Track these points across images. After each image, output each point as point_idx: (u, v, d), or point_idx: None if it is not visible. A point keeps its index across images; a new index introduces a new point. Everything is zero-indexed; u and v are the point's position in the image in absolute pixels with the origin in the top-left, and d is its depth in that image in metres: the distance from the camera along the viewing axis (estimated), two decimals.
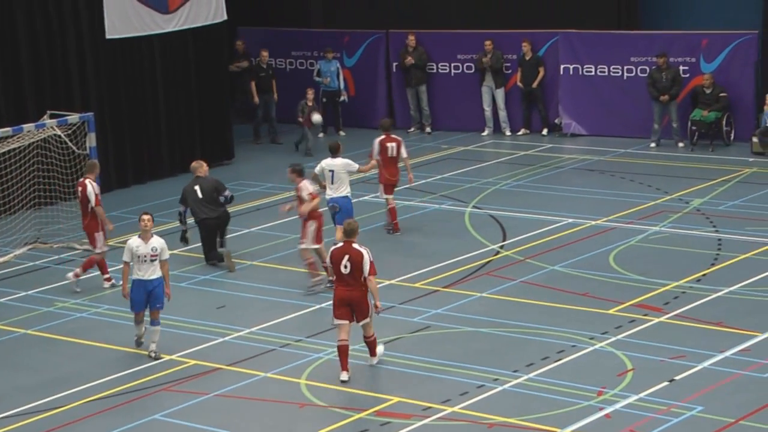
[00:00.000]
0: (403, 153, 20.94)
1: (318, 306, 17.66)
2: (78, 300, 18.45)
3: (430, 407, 14.06)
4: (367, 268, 14.81)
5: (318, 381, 15.01)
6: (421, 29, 29.09)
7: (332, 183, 19.34)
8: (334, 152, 19.60)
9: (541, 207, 22.14)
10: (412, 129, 29.39)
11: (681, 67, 26.62)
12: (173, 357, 15.94)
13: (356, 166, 19.67)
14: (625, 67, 27.38)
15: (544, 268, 18.84)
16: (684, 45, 26.83)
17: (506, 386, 14.57)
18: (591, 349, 15.58)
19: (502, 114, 28.40)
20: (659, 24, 28.09)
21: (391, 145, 20.80)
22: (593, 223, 21.04)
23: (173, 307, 17.79)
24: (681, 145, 26.41)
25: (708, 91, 26.01)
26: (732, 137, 26.31)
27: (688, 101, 26.50)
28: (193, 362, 15.78)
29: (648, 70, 26.72)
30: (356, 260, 14.83)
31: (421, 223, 21.69)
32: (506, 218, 21.48)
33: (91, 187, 18.82)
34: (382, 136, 20.97)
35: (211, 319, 17.35)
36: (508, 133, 28.38)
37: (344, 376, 14.95)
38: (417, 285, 18.33)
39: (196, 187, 19.75)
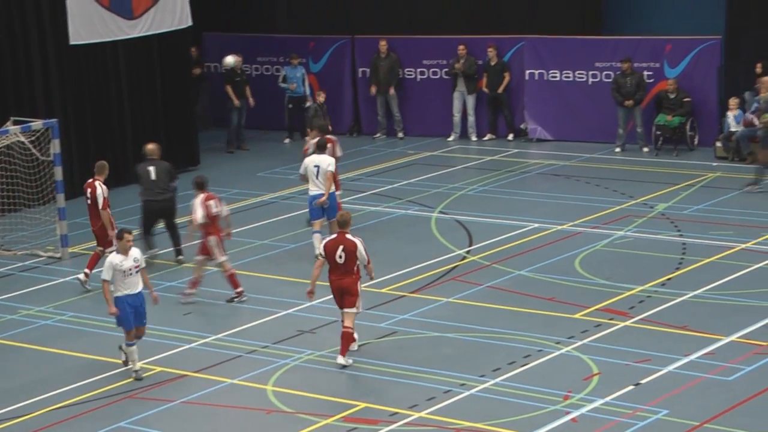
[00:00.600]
0: (338, 152, 21.15)
1: (284, 312, 17.63)
2: (42, 307, 18.34)
3: (397, 413, 14.06)
4: (365, 256, 15.48)
5: (285, 387, 14.99)
6: (386, 35, 29.10)
7: (317, 178, 19.55)
8: (322, 149, 19.86)
9: (507, 212, 22.19)
10: (378, 135, 29.40)
11: (645, 72, 26.76)
12: (139, 364, 15.84)
13: (334, 167, 19.87)
14: (590, 72, 27.50)
15: (510, 273, 18.88)
16: (648, 50, 26.98)
17: (473, 391, 14.59)
18: (557, 353, 15.62)
19: (471, 119, 28.46)
20: (623, 29, 28.23)
21: (328, 145, 20.87)
22: (559, 227, 21.11)
23: None
24: (645, 149, 26.55)
25: (672, 96, 26.16)
26: (696, 142, 26.47)
27: (653, 106, 26.64)
28: (158, 369, 15.72)
29: (612, 75, 26.84)
30: (350, 250, 15.39)
31: (388, 229, 21.70)
32: (472, 223, 21.53)
33: (101, 189, 18.76)
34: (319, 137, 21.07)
35: (177, 326, 17.28)
36: (474, 138, 28.44)
37: (341, 360, 15.54)
38: (383, 290, 18.33)
39: (150, 168, 19.92)
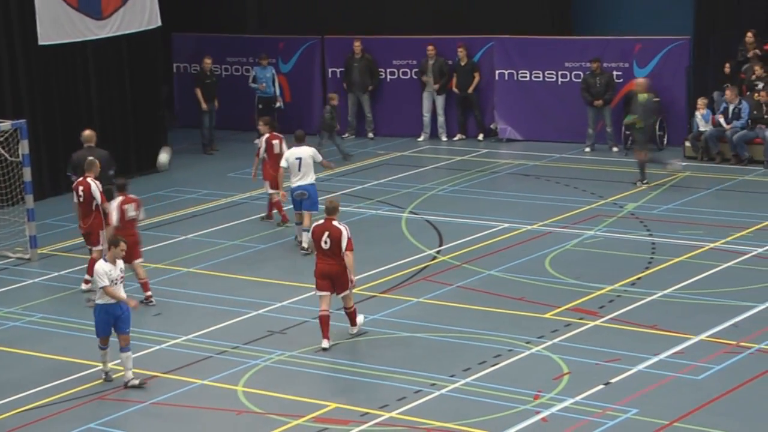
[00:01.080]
0: (284, 148, 21.39)
1: (254, 313, 17.59)
2: (11, 309, 18.23)
3: (367, 413, 14.05)
4: (344, 244, 15.75)
5: (255, 388, 14.95)
6: (356, 35, 29.09)
7: (299, 170, 19.97)
8: (300, 140, 20.19)
9: (478, 212, 22.22)
10: (346, 135, 29.38)
11: (614, 72, 26.85)
12: (108, 365, 15.77)
13: (320, 156, 20.42)
14: (560, 72, 27.57)
15: (480, 273, 18.91)
16: (617, 50, 27.07)
17: (443, 391, 14.60)
18: (527, 353, 15.65)
19: (440, 119, 28.48)
20: (592, 29, 28.33)
21: (276, 143, 21.33)
22: (529, 227, 21.16)
23: None
24: (615, 149, 26.64)
25: None
26: (665, 142, 26.58)
27: (622, 106, 26.73)
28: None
29: (582, 75, 26.93)
30: (335, 236, 15.82)
31: (358, 229, 21.61)
32: (443, 223, 21.54)
33: (95, 185, 18.54)
34: (268, 134, 21.43)
35: (147, 326, 17.21)
36: (444, 138, 28.47)
37: (325, 343, 15.86)
38: (354, 291, 18.28)
39: (91, 158, 19.70)
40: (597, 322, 16.58)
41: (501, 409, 13.99)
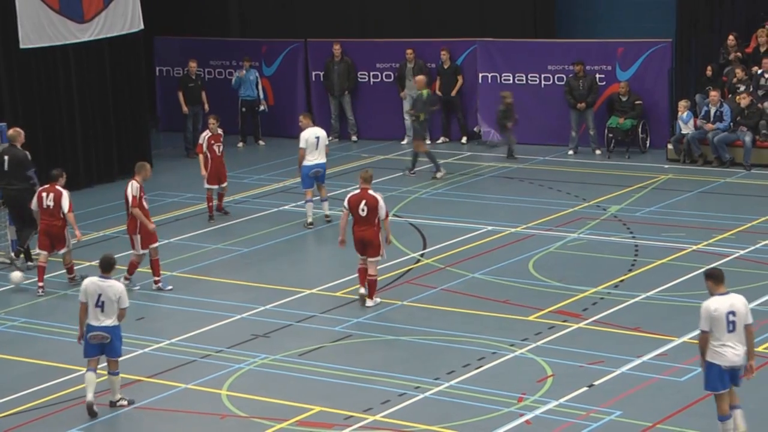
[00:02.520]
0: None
1: (238, 316, 17.56)
2: None
3: (351, 416, 14.04)
4: (383, 212, 17.41)
5: (239, 392, 14.93)
6: (339, 38, 29.09)
7: (316, 149, 21.51)
8: (313, 122, 22.27)
9: (461, 215, 22.23)
10: (330, 138, 29.33)
11: (597, 75, 26.91)
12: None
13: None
14: (543, 75, 27.61)
15: (464, 275, 18.91)
16: (600, 53, 27.13)
17: (427, 394, 14.60)
18: (511, 355, 15.67)
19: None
20: (575, 33, 28.38)
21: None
22: (512, 230, 21.18)
23: None
24: (598, 152, 26.69)
25: (624, 99, 26.32)
26: (648, 144, 26.64)
27: (605, 109, 26.79)
28: None
29: (565, 78, 26.97)
30: (372, 204, 17.38)
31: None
32: (426, 226, 21.54)
33: (131, 188, 18.44)
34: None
35: (130, 330, 17.12)
36: (427, 141, 28.44)
37: (362, 290, 17.60)
38: (338, 294, 18.30)
39: (6, 157, 19.79)
40: (580, 325, 16.60)
41: (485, 411, 14.00)
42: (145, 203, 18.61)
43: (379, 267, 17.77)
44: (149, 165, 19.35)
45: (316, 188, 21.82)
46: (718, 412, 12.67)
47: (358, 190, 17.61)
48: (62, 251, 19.05)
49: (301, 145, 21.55)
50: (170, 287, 18.76)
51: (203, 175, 22.43)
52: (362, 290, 17.60)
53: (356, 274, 17.84)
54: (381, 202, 17.42)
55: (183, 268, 19.87)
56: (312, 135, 21.47)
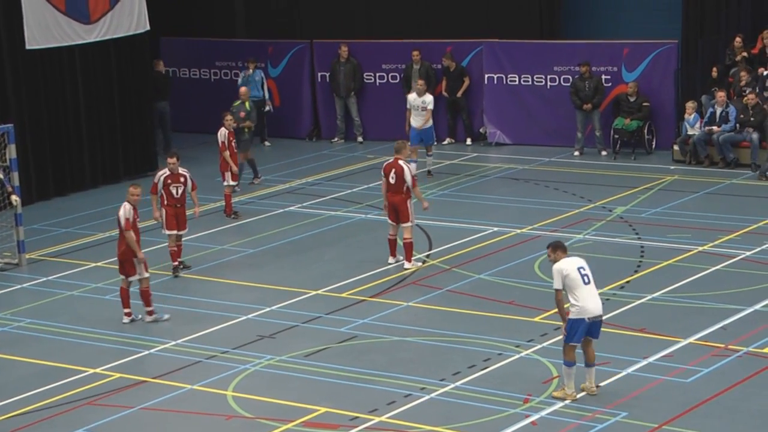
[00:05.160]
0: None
1: (244, 317, 17.57)
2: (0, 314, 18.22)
3: (357, 417, 14.04)
4: (409, 180, 18.94)
5: (245, 393, 14.93)
6: (345, 39, 29.10)
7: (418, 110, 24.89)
8: (420, 93, 24.96)
9: (467, 216, 22.23)
10: (336, 139, 29.38)
11: (603, 76, 26.89)
12: (97, 370, 15.76)
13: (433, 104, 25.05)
14: (549, 77, 27.60)
15: (470, 276, 18.91)
16: (606, 54, 27.10)
17: (433, 395, 14.59)
18: (517, 356, 15.66)
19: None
20: (581, 33, 28.37)
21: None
22: (518, 231, 21.17)
23: (97, 320, 17.65)
24: (604, 153, 26.67)
25: (632, 100, 26.29)
26: (654, 145, 26.62)
27: (611, 110, 26.77)
28: (117, 375, 15.62)
29: (571, 79, 26.96)
30: (399, 173, 18.95)
31: (347, 233, 21.68)
32: (432, 227, 21.53)
33: (123, 211, 17.19)
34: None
35: (135, 331, 17.18)
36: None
37: (391, 260, 19.26)
38: (343, 295, 18.30)
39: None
40: None
41: (491, 412, 13.99)
42: (136, 227, 17.41)
43: (384, 267, 17.78)
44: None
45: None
46: (567, 359, 14.02)
47: (390, 159, 19.20)
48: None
49: (407, 106, 25.06)
50: (167, 316, 17.60)
51: (234, 172, 22.73)
52: (391, 260, 19.16)
53: (361, 275, 17.83)
54: (407, 171, 18.94)
55: (189, 268, 19.87)
56: (416, 99, 24.90)
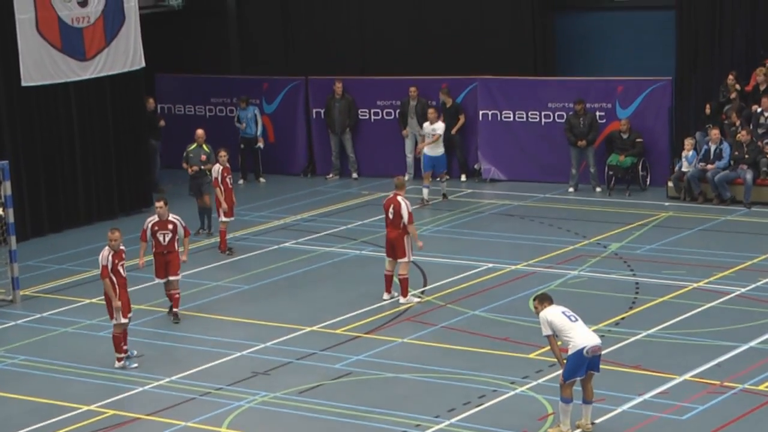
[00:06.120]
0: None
1: (238, 354, 17.52)
2: None
3: None
4: (405, 217, 19.04)
5: (239, 429, 14.87)
6: (340, 75, 29.19)
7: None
8: (433, 121, 25.96)
9: (461, 252, 22.22)
10: (331, 175, 29.41)
11: (597, 113, 26.97)
12: (91, 407, 15.70)
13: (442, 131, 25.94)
14: (543, 113, 27.67)
15: (464, 313, 18.88)
16: (600, 91, 27.18)
17: None
18: (512, 393, 15.62)
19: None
20: (575, 70, 28.46)
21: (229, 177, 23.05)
22: (513, 267, 21.16)
23: (91, 356, 17.59)
24: (598, 189, 26.71)
25: (625, 137, 26.36)
26: (648, 182, 26.66)
27: (604, 146, 26.82)
28: (111, 412, 15.56)
29: (565, 116, 27.03)
30: (397, 209, 19.10)
31: (342, 269, 21.66)
32: (427, 264, 21.52)
33: (101, 257, 16.99)
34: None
35: (129, 367, 17.11)
36: None
37: (385, 296, 19.32)
38: (338, 331, 18.27)
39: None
40: None
41: None
42: (122, 271, 17.04)
43: (378, 304, 17.75)
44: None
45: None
46: (564, 396, 14.06)
47: (390, 195, 19.42)
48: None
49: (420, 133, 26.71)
50: (135, 365, 17.17)
51: (223, 209, 22.67)
52: (385, 296, 19.22)
53: (356, 311, 17.79)
54: (404, 207, 19.02)
55: (184, 305, 19.81)
56: (429, 128, 25.89)
